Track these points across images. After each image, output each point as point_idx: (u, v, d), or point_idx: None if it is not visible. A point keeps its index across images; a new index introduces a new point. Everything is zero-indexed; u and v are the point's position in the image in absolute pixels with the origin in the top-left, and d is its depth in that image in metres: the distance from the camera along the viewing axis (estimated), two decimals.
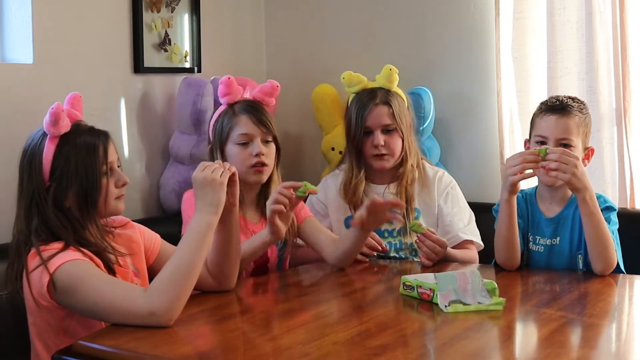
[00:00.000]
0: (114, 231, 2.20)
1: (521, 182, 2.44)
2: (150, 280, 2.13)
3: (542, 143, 2.49)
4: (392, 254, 2.79)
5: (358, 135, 2.78)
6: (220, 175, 2.05)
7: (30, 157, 2.10)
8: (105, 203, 2.10)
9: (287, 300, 2.35)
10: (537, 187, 2.60)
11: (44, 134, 2.09)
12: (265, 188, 2.62)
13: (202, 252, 2.00)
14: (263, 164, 2.54)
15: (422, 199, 2.81)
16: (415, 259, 2.77)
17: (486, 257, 2.63)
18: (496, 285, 2.09)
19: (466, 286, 2.05)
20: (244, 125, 2.55)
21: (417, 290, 2.14)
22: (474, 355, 1.83)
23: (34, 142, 2.11)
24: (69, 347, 1.92)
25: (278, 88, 2.64)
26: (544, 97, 3.06)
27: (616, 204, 2.96)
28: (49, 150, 2.07)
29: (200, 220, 2.02)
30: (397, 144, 2.78)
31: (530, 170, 2.38)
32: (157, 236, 2.30)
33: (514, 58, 3.15)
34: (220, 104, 3.10)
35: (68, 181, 2.06)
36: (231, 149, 2.56)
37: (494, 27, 3.17)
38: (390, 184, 2.82)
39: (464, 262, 2.66)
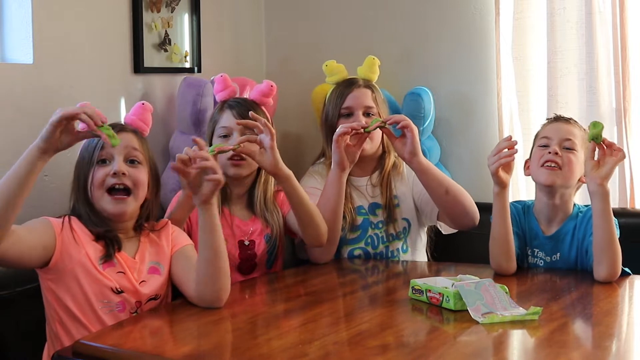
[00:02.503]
0: (150, 232, 2.28)
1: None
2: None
3: (546, 146, 2.49)
4: (380, 249, 2.78)
5: (334, 116, 2.78)
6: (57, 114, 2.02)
7: None
8: (91, 189, 2.19)
9: (287, 300, 2.35)
10: (533, 202, 2.58)
11: None
12: (253, 186, 2.63)
13: (13, 174, 1.98)
14: (240, 157, 2.55)
15: (400, 188, 2.81)
16: (404, 252, 2.78)
17: (486, 258, 2.62)
18: (507, 289, 2.09)
19: (493, 300, 2.02)
20: (225, 119, 2.61)
21: (426, 295, 2.13)
22: (474, 355, 1.84)
23: None
24: (69, 347, 1.93)
25: (274, 88, 2.70)
26: (544, 97, 3.08)
27: (616, 204, 2.97)
28: None
29: (28, 149, 2.02)
30: (377, 129, 2.75)
31: (506, 151, 2.38)
32: (183, 242, 2.29)
33: (514, 58, 3.15)
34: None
35: (75, 167, 2.25)
36: (214, 142, 2.60)
37: (494, 27, 3.17)
38: (372, 174, 2.82)
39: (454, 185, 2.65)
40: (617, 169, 2.95)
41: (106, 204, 2.18)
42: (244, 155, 2.54)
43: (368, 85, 2.82)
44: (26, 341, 2.25)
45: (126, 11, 2.95)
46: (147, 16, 3.01)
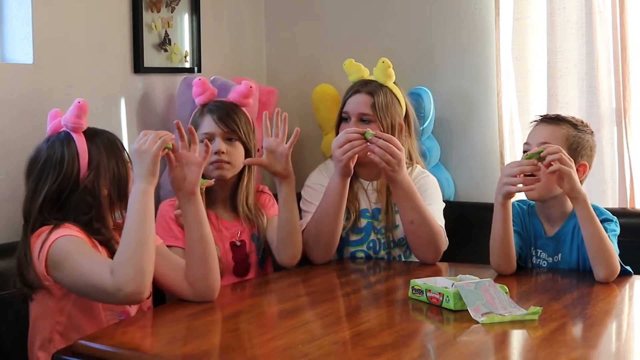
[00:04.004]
0: None
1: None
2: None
3: (527, 151, 2.46)
4: (381, 254, 2.78)
5: (337, 120, 2.81)
6: (151, 146, 2.05)
7: (53, 155, 2.17)
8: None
9: (287, 300, 2.35)
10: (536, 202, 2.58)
11: (66, 134, 2.18)
12: (236, 188, 2.62)
13: (145, 219, 2.02)
14: (222, 162, 2.54)
15: None
16: (406, 258, 2.78)
17: (486, 258, 2.62)
18: (507, 289, 2.09)
19: (493, 300, 2.02)
20: (205, 124, 2.60)
21: (426, 295, 2.13)
22: (474, 355, 1.84)
23: (52, 143, 2.19)
24: (69, 347, 1.93)
25: (252, 89, 2.68)
26: (544, 97, 3.08)
27: (616, 204, 2.97)
28: (81, 143, 2.17)
29: (135, 191, 2.04)
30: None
31: (530, 186, 2.37)
32: (160, 240, 2.27)
33: (514, 58, 3.15)
34: None
35: (103, 170, 2.16)
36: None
37: (494, 27, 3.17)
38: (375, 180, 2.82)
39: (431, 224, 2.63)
40: (617, 169, 2.97)
41: None
42: (225, 160, 2.55)
43: (371, 91, 2.75)
44: (26, 341, 2.25)
45: (126, 11, 2.95)
46: (147, 16, 3.01)
